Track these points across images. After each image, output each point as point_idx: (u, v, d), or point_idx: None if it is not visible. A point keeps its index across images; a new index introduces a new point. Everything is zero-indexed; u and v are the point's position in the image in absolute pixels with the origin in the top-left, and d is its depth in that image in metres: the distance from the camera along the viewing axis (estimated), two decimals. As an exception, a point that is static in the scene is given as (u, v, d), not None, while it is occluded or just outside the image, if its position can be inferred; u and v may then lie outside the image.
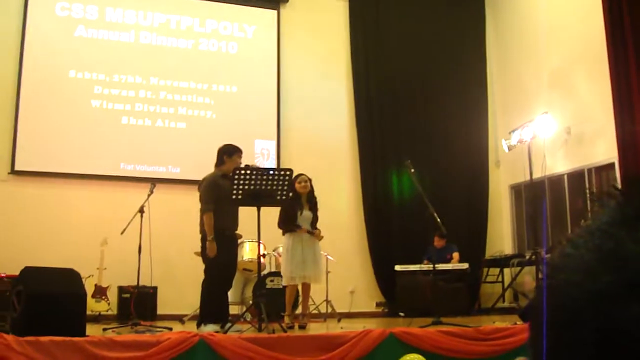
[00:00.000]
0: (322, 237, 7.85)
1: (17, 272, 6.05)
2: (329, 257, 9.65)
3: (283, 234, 7.74)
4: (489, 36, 12.67)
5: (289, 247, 7.64)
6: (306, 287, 7.74)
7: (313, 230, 7.64)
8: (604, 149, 9.64)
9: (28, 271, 5.79)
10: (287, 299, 7.71)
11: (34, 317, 5.28)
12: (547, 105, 10.44)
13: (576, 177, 10.32)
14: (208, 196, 6.98)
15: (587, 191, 9.91)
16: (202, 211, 6.98)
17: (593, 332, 0.61)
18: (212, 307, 6.87)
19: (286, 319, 7.55)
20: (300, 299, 8.01)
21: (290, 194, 7.13)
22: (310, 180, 7.79)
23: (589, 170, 10.04)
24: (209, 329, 6.38)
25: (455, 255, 10.57)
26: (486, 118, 12.34)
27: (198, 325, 6.80)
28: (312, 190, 7.79)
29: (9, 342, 4.65)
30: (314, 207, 7.75)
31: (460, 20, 12.49)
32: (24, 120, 10.13)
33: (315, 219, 7.73)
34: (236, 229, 7.21)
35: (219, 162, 7.24)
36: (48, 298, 5.47)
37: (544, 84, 10.99)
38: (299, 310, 8.12)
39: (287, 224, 7.66)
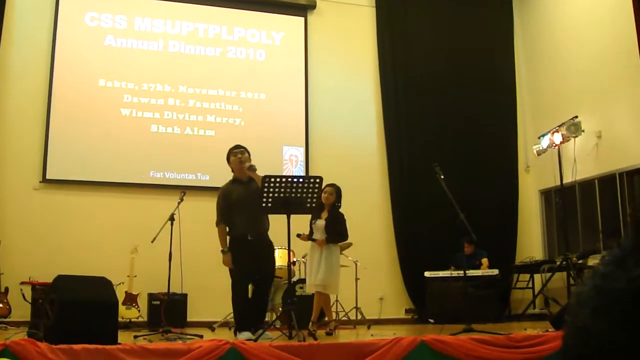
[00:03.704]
0: (322, 242, 7.59)
1: (50, 280, 6.12)
2: (356, 262, 9.67)
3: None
4: (517, 39, 12.58)
5: (308, 256, 7.76)
6: (320, 295, 7.63)
7: (322, 238, 7.51)
8: (635, 152, 9.50)
9: (61, 279, 5.84)
10: (314, 306, 7.71)
11: (67, 325, 5.32)
12: (576, 108, 10.33)
13: (607, 181, 10.19)
14: (218, 209, 7.04)
15: (619, 197, 9.78)
16: (216, 224, 7.03)
17: None
18: (240, 314, 6.87)
19: (310, 326, 7.46)
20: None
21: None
22: (336, 191, 7.73)
23: (620, 174, 9.90)
24: (243, 337, 6.40)
25: (485, 261, 10.48)
26: (515, 122, 12.24)
27: (235, 334, 6.83)
28: (334, 201, 7.69)
29: (43, 350, 4.69)
30: (330, 217, 7.61)
31: (488, 23, 12.41)
32: (55, 130, 10.26)
33: (332, 228, 7.55)
34: (263, 231, 7.03)
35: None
36: (81, 306, 5.51)
37: (574, 86, 10.87)
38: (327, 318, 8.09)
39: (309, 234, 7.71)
